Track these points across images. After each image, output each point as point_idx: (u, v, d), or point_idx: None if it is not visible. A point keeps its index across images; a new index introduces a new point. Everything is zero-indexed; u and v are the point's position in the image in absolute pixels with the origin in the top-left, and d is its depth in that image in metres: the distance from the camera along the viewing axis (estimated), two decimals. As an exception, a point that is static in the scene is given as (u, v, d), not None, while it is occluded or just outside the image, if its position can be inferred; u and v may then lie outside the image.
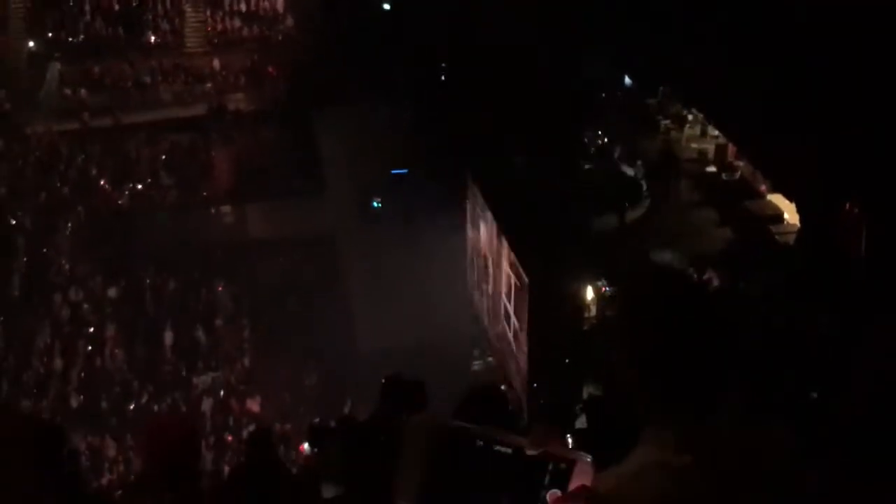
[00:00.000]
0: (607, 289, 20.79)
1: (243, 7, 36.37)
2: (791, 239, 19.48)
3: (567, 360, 20.45)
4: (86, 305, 28.80)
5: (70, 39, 35.04)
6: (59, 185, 31.81)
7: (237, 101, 35.05)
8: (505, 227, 23.36)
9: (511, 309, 23.42)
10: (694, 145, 24.69)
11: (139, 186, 32.44)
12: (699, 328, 2.53)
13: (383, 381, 8.14)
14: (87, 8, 35.32)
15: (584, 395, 18.37)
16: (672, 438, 2.48)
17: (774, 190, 20.81)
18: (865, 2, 12.38)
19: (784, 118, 14.28)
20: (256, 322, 28.99)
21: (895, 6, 11.93)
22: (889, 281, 12.23)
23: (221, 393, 27.09)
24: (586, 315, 20.96)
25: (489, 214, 24.27)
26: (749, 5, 14.99)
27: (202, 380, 27.40)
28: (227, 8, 36.35)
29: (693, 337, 2.52)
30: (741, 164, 22.82)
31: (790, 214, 19.83)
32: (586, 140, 25.49)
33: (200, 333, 28.49)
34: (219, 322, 28.96)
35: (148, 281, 29.61)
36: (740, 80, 15.52)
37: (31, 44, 34.59)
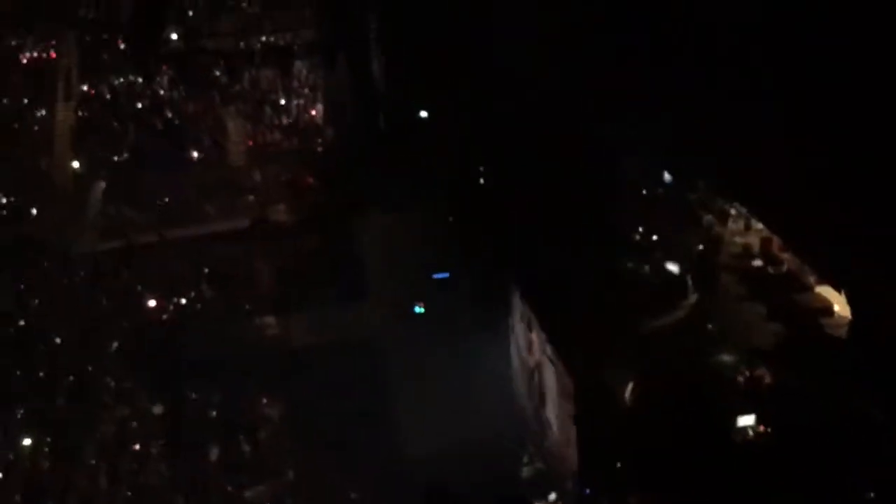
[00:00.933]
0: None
1: (283, 120, 37.04)
2: (842, 332, 19.01)
3: (616, 459, 19.99)
4: (132, 422, 28.68)
5: (115, 158, 35.76)
6: (104, 301, 32.03)
7: (279, 211, 35.37)
8: (549, 328, 23.10)
9: (558, 412, 23.00)
10: (738, 239, 24.39)
11: (183, 300, 32.58)
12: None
13: (427, 493, 7.85)
14: (131, 126, 36.14)
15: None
16: None
17: (823, 282, 20.43)
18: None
19: (830, 209, 14.03)
20: (301, 432, 28.63)
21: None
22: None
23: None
24: (639, 415, 20.50)
25: (532, 316, 24.04)
26: (787, 100, 14.89)
27: (249, 495, 26.99)
28: (267, 122, 37.03)
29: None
30: (787, 256, 22.47)
31: (840, 306, 19.41)
32: (629, 238, 25.32)
33: (245, 446, 28.17)
34: (262, 434, 28.66)
35: (193, 395, 29.47)
36: (783, 173, 15.35)
37: (76, 164, 35.34)
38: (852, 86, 12.75)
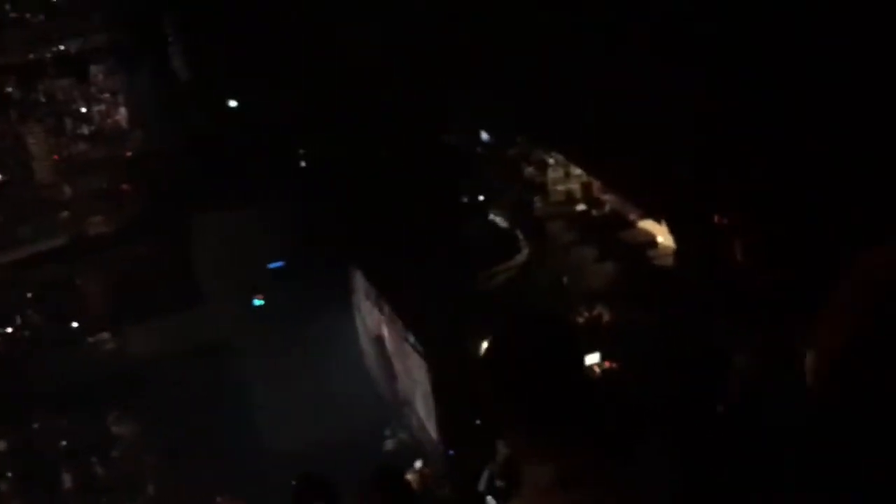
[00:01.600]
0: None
1: (87, 129, 35.64)
2: (668, 261, 19.86)
3: (477, 421, 20.28)
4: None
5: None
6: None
7: (97, 224, 34.13)
8: (393, 303, 23.22)
9: (415, 382, 23.20)
10: (560, 187, 25.08)
11: (9, 329, 31.09)
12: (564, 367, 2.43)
13: (293, 484, 7.81)
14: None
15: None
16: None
17: (644, 217, 21.25)
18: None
19: (644, 145, 14.58)
20: (155, 445, 27.91)
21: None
22: (772, 283, 12.49)
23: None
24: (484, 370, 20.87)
25: (375, 293, 24.11)
26: (594, 44, 15.35)
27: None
28: (70, 133, 35.56)
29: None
30: (609, 197, 23.27)
31: (663, 237, 20.25)
32: (457, 200, 25.67)
33: (99, 468, 27.26)
34: (115, 453, 27.78)
35: (36, 426, 28.26)
36: (596, 116, 15.82)
37: None
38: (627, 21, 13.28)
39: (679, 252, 18.92)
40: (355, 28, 22.94)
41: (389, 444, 25.47)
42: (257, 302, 29.67)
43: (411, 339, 22.31)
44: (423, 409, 22.96)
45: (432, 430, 21.81)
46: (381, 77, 21.60)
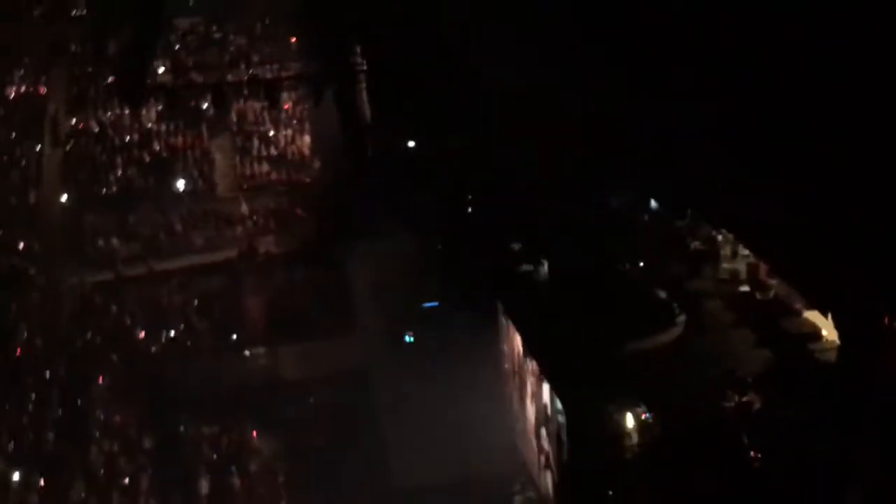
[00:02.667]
0: (647, 415, 20.38)
1: (271, 152, 37.26)
2: (831, 356, 19.10)
3: (610, 493, 19.96)
4: (121, 457, 28.57)
5: (103, 191, 35.87)
6: (93, 335, 31.98)
7: (267, 243, 35.50)
8: (538, 356, 23.15)
9: (549, 440, 23.01)
10: (725, 265, 24.53)
11: (172, 333, 32.57)
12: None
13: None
14: (119, 160, 36.27)
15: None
16: None
17: (810, 307, 20.55)
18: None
19: (817, 233, 14.18)
20: (292, 466, 28.58)
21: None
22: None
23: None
24: (627, 443, 20.52)
25: (521, 344, 24.09)
26: (772, 125, 15.07)
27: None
28: (255, 153, 37.23)
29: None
30: (774, 282, 22.61)
31: (828, 331, 19.51)
32: (616, 265, 25.46)
33: (235, 479, 28.07)
34: (253, 467, 28.58)
35: (182, 428, 29.39)
36: (768, 198, 15.50)
37: (65, 197, 35.42)
38: (839, 117, 12.96)
39: (841, 350, 18.16)
40: (530, 86, 23.25)
41: (517, 500, 25.30)
42: (408, 338, 30.14)
43: (550, 393, 22.18)
44: (556, 471, 22.73)
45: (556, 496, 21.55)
46: (557, 132, 21.76)
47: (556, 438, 22.25)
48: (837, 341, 18.55)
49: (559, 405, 21.47)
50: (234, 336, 33.05)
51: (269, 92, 33.21)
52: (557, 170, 22.91)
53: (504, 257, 26.06)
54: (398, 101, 30.51)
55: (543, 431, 23.47)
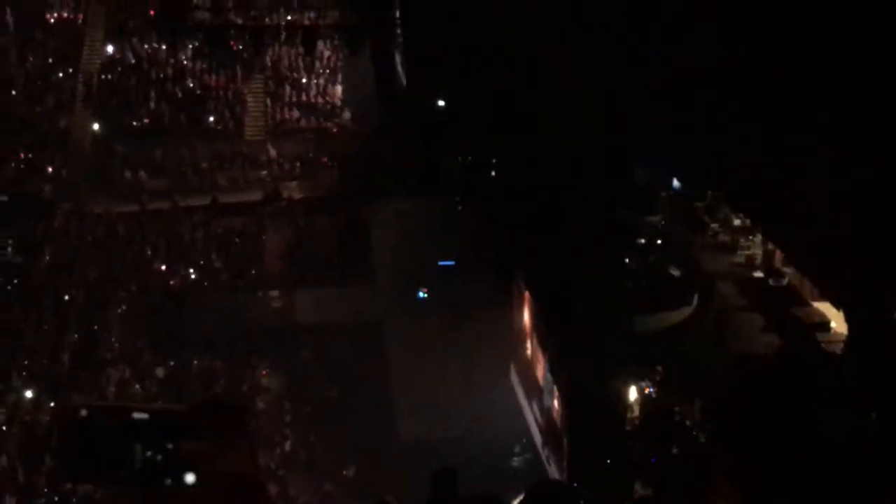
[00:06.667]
0: (651, 390, 20.77)
1: (303, 99, 37.42)
2: (838, 348, 19.41)
3: (608, 462, 20.37)
4: (134, 383, 29.18)
5: (134, 123, 36.15)
6: (113, 263, 32.48)
7: (291, 188, 35.80)
8: (548, 324, 23.50)
9: (553, 406, 23.41)
10: (741, 250, 24.80)
11: (191, 268, 33.03)
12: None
13: (435, 473, 8.19)
14: (153, 94, 36.53)
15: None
16: None
17: (822, 297, 20.80)
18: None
19: (833, 226, 14.40)
20: (298, 407, 29.14)
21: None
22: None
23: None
24: (629, 415, 20.91)
25: (533, 311, 24.44)
26: (802, 114, 15.23)
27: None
28: (286, 99, 37.41)
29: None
30: (789, 270, 22.87)
31: (837, 323, 19.79)
32: (634, 239, 25.70)
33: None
34: (261, 405, 29.14)
35: (195, 362, 29.95)
36: (789, 187, 15.68)
37: (96, 126, 35.74)
38: (862, 110, 13.13)
39: (849, 342, 18.46)
40: (568, 53, 23.34)
41: (517, 461, 25.82)
42: (421, 294, 30.55)
43: (557, 361, 22.54)
44: (556, 436, 23.15)
45: (563, 459, 21.98)
46: (589, 105, 21.86)
47: (558, 405, 22.69)
48: (845, 333, 18.87)
49: (563, 373, 21.88)
50: (252, 276, 33.48)
51: (306, 39, 33.29)
52: (583, 140, 23.05)
53: (525, 224, 26.32)
54: (432, 58, 30.62)
55: (547, 397, 23.91)
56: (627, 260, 24.99)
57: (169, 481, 2.84)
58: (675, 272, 24.09)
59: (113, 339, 30.39)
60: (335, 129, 37.06)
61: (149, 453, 2.81)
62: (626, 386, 20.96)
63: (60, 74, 36.25)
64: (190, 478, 2.81)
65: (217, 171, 35.76)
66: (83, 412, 2.77)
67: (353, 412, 27.91)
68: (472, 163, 31.33)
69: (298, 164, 36.24)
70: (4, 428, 27.43)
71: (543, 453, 24.25)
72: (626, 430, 20.83)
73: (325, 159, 36.29)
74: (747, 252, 24.57)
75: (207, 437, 2.97)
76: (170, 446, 2.80)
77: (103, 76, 36.64)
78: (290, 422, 28.94)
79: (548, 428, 23.98)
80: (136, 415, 2.75)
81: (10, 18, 36.41)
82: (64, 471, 2.88)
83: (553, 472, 23.05)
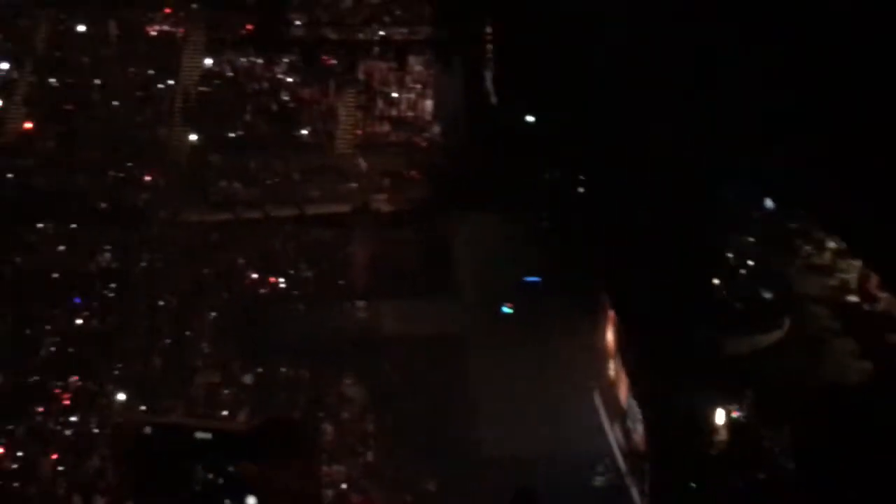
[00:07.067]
0: (738, 414, 20.46)
1: (393, 113, 37.75)
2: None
3: (692, 486, 20.13)
4: (223, 389, 29.72)
5: (229, 135, 36.88)
6: (206, 271, 33.15)
7: (379, 201, 36.09)
8: (633, 345, 23.32)
9: (636, 428, 23.21)
10: (835, 273, 24.30)
11: (281, 277, 33.52)
12: None
13: (516, 493, 8.27)
14: (248, 106, 37.25)
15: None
16: None
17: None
18: None
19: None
20: (382, 418, 29.32)
21: None
22: None
23: (343, 486, 27.34)
24: (715, 440, 20.64)
25: (618, 331, 24.27)
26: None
27: (325, 471, 27.69)
28: (377, 113, 37.77)
29: None
30: (884, 295, 22.35)
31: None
32: (723, 260, 25.37)
33: (328, 425, 28.97)
34: (345, 415, 29.41)
35: (282, 369, 30.38)
36: (886, 210, 15.40)
37: (193, 137, 36.55)
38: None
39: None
40: (659, 73, 23.22)
41: (599, 481, 25.54)
42: (506, 309, 30.55)
43: (640, 389, 22.37)
44: (640, 458, 22.94)
45: (644, 481, 21.79)
46: (682, 124, 21.73)
47: (642, 427, 22.47)
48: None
49: (648, 395, 21.68)
50: (338, 287, 33.79)
51: (398, 54, 33.63)
52: (674, 158, 22.90)
53: (612, 243, 26.19)
54: (523, 74, 30.71)
55: (630, 418, 23.70)
56: (717, 281, 24.70)
57: (229, 503, 2.91)
58: (767, 294, 23.71)
59: (204, 345, 31.00)
60: (424, 144, 37.28)
61: (210, 475, 2.87)
62: (713, 409, 20.69)
63: (160, 86, 37.14)
64: (251, 501, 2.90)
65: (308, 183, 36.24)
66: (147, 429, 2.86)
67: (434, 424, 27.95)
68: (559, 179, 31.27)
69: (387, 177, 36.52)
70: (97, 430, 28.19)
71: (625, 475, 24.05)
72: (712, 455, 20.55)
73: (414, 173, 36.52)
74: (842, 275, 24.05)
75: (268, 456, 3.04)
76: (231, 468, 2.86)
77: (201, 88, 37.47)
78: (373, 432, 29.12)
79: (630, 450, 23.77)
80: (199, 434, 2.84)
81: (113, 31, 37.49)
82: (127, 487, 2.97)
83: (635, 494, 22.87)
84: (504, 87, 33.24)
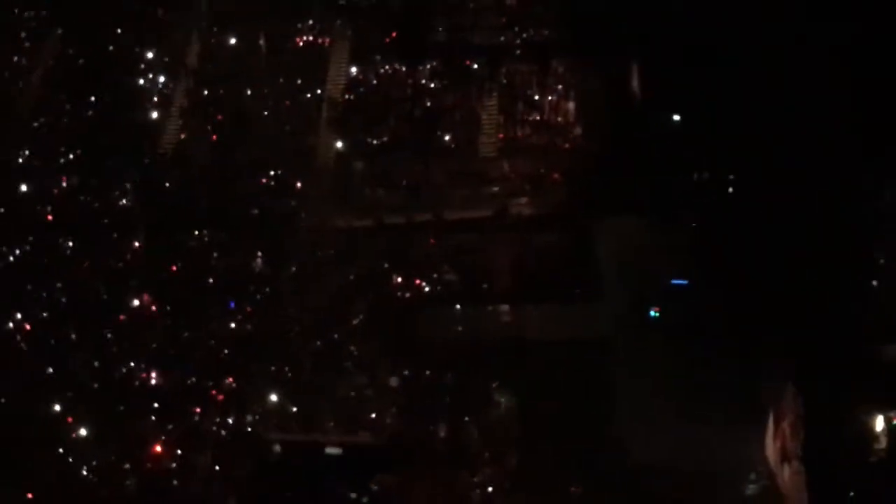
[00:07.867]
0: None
1: (535, 116, 37.69)
2: None
3: (851, 495, 19.48)
4: (369, 391, 30.32)
5: (374, 141, 37.55)
6: (352, 275, 33.85)
7: (521, 205, 36.07)
8: (787, 352, 22.70)
9: (791, 435, 22.59)
10: None
11: (425, 281, 33.92)
12: None
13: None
14: (392, 113, 37.84)
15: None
16: None
17: None
18: None
19: None
20: (527, 422, 29.33)
21: None
22: None
23: (489, 489, 27.51)
24: (875, 447, 19.91)
25: (775, 336, 23.65)
26: None
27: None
28: (519, 116, 37.78)
29: None
30: None
31: None
32: (881, 264, 24.46)
33: (473, 429, 29.17)
34: (490, 420, 29.57)
35: (427, 373, 30.76)
36: None
37: (340, 144, 37.38)
38: None
39: None
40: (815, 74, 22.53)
41: (752, 489, 24.92)
42: (653, 313, 30.12)
43: (796, 395, 21.72)
44: (796, 466, 22.30)
45: (801, 491, 21.16)
46: (839, 123, 21.02)
47: (798, 434, 21.84)
48: None
49: (804, 402, 21.04)
50: (482, 291, 33.95)
51: (540, 56, 33.54)
52: (834, 160, 22.16)
53: (762, 245, 25.53)
54: (670, 73, 30.19)
55: (785, 425, 23.06)
56: (875, 283, 23.81)
57: None
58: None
59: (352, 348, 31.66)
60: (567, 146, 37.08)
61: (342, 490, 2.86)
62: (872, 416, 19.92)
63: (307, 95, 38.09)
64: None
65: (449, 188, 36.54)
66: (276, 447, 2.87)
67: (580, 430, 27.81)
68: (708, 180, 30.64)
69: (529, 180, 36.47)
70: (250, 430, 29.13)
71: (780, 483, 23.39)
72: (871, 462, 19.80)
73: (556, 176, 36.36)
74: None
75: (401, 470, 3.01)
76: (363, 482, 2.84)
77: (347, 96, 38.26)
78: (518, 436, 29.17)
79: (785, 457, 23.12)
80: (330, 450, 2.83)
81: (262, 42, 38.69)
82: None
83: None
84: (650, 86, 32.75)
